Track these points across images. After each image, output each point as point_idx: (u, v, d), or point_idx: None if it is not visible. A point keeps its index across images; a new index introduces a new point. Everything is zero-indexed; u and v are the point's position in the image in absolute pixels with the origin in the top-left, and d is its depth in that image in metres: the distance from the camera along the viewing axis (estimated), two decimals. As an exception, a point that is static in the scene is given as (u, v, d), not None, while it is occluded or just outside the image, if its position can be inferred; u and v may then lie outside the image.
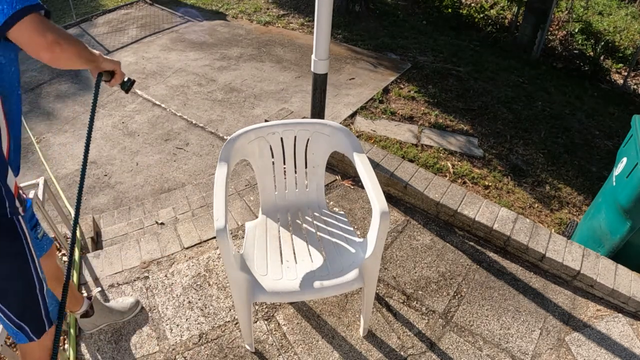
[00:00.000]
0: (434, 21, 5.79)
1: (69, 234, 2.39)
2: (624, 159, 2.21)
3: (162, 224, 2.44)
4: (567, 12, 6.23)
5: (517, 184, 2.95)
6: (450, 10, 5.98)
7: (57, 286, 1.56)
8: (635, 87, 5.10)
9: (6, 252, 1.11)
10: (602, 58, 5.40)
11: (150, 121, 3.86)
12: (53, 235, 2.15)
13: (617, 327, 2.03)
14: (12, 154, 1.11)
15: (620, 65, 5.41)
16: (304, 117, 3.22)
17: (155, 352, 1.81)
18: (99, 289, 2.04)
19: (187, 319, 1.94)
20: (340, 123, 3.14)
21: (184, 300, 2.02)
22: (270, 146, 1.85)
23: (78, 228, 2.38)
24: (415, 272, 2.23)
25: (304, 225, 1.88)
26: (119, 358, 1.78)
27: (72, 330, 1.82)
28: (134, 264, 2.18)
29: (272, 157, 1.88)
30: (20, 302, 1.20)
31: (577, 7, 6.51)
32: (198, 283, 2.09)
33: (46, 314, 1.24)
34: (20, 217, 1.13)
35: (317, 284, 1.57)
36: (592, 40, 5.63)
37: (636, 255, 2.23)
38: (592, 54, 5.37)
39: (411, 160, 2.94)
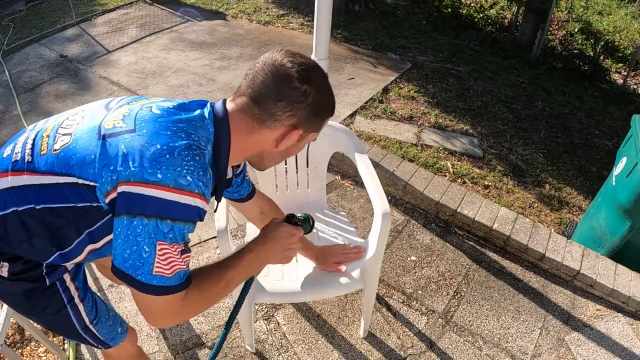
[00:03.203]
0: (434, 21, 5.79)
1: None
2: (624, 159, 2.21)
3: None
4: (567, 12, 6.22)
5: (517, 184, 2.95)
6: (450, 10, 5.97)
7: None
8: (635, 87, 5.10)
9: (46, 311, 1.04)
10: (602, 58, 5.39)
11: (150, 121, 3.84)
12: None
13: (617, 327, 2.03)
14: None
15: (620, 65, 5.40)
16: (304, 117, 3.21)
17: (155, 352, 1.81)
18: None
19: (187, 319, 1.94)
20: (340, 123, 3.14)
21: (184, 301, 2.02)
22: (271, 146, 1.84)
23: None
24: (415, 272, 2.23)
25: (305, 225, 1.88)
26: (120, 358, 1.78)
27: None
28: (134, 264, 2.18)
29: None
30: (68, 336, 1.17)
31: (577, 7, 6.50)
32: (198, 283, 2.09)
33: (101, 341, 1.15)
34: (62, 278, 1.04)
35: (318, 284, 1.57)
36: (592, 40, 5.62)
37: (636, 255, 2.23)
38: (592, 54, 5.37)
39: (411, 160, 2.95)
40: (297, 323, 1.95)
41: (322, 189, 2.01)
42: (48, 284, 1.00)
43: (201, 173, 0.81)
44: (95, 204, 0.83)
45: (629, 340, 1.97)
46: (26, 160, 0.86)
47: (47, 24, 5.36)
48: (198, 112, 0.90)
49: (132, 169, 0.77)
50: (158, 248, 0.79)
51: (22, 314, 1.11)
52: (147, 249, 0.79)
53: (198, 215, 0.83)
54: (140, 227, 0.78)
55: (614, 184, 2.25)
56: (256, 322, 1.94)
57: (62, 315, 1.05)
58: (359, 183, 2.79)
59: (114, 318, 1.19)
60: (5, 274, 0.94)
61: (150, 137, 0.80)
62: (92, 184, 0.81)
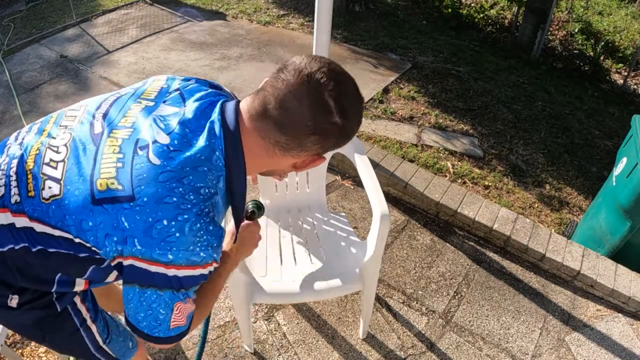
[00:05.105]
0: (434, 21, 5.79)
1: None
2: (624, 159, 2.21)
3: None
4: (567, 12, 6.22)
5: (517, 184, 2.95)
6: (450, 10, 5.97)
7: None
8: (635, 87, 5.10)
9: (58, 336, 1.03)
10: (602, 58, 5.39)
11: (150, 121, 3.84)
12: None
13: (617, 327, 2.03)
14: None
15: (620, 65, 5.40)
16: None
17: (155, 352, 1.81)
18: None
19: (187, 319, 1.94)
20: (340, 123, 3.14)
21: (184, 301, 2.02)
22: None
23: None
24: (415, 272, 2.23)
25: (304, 226, 1.88)
26: (119, 358, 1.78)
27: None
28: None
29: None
30: (80, 356, 1.16)
31: (577, 7, 6.50)
32: (198, 283, 2.09)
33: (113, 358, 1.15)
34: (73, 301, 1.02)
35: (316, 285, 1.57)
36: (592, 40, 5.62)
37: (636, 255, 2.23)
38: (592, 54, 5.37)
39: (411, 160, 2.95)
40: (297, 323, 1.95)
41: (321, 189, 2.01)
42: (59, 309, 0.98)
43: (215, 244, 0.76)
44: (97, 256, 0.78)
45: (629, 340, 1.97)
46: (13, 200, 0.78)
47: (47, 24, 5.35)
48: (204, 139, 0.78)
49: (139, 247, 0.72)
50: (175, 309, 0.78)
51: (33, 341, 1.09)
52: (162, 312, 0.78)
53: (210, 275, 0.82)
54: (155, 296, 0.76)
55: (614, 184, 2.25)
56: (256, 322, 1.94)
57: (76, 338, 1.04)
58: (359, 183, 2.79)
59: (124, 332, 1.18)
60: (14, 304, 0.91)
61: (153, 209, 0.71)
62: (93, 248, 0.76)
